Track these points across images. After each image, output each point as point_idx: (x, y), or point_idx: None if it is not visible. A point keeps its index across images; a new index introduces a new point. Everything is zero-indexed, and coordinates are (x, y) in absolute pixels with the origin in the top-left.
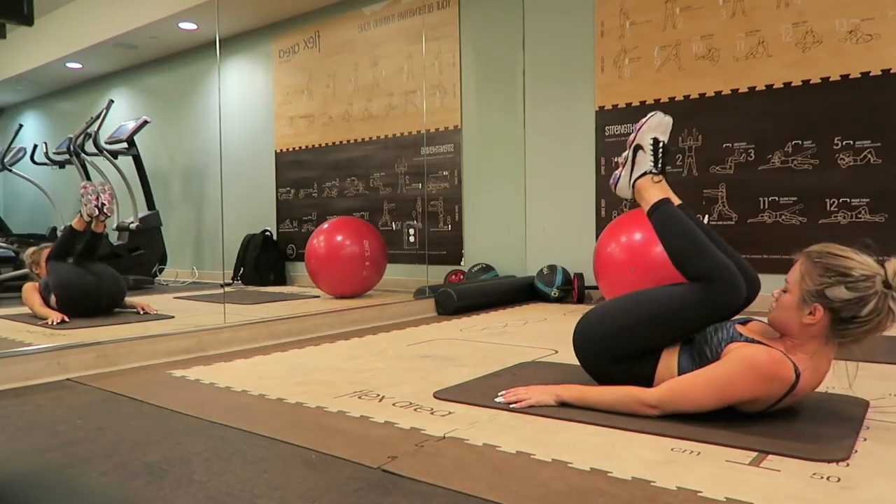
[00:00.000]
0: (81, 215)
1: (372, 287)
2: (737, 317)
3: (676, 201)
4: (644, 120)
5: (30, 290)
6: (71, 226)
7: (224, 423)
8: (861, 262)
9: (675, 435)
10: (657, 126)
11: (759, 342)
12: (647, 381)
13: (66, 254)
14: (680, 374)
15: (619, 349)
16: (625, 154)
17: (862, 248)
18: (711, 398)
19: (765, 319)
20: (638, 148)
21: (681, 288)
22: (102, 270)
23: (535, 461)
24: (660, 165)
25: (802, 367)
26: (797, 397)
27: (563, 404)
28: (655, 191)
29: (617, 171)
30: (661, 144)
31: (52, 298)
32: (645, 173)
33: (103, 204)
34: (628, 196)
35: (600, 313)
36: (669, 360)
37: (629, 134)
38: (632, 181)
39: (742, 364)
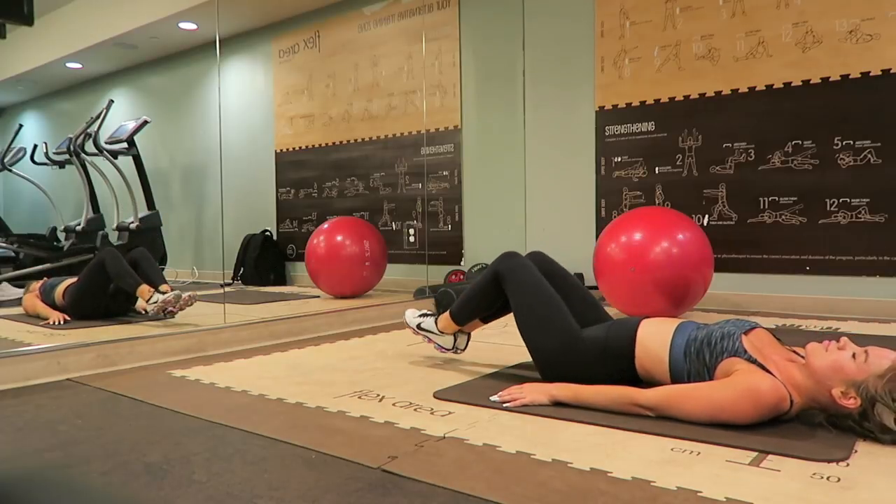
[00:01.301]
0: (148, 300)
1: (372, 287)
2: (743, 319)
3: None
4: (406, 321)
5: (30, 299)
6: (136, 290)
7: (224, 423)
8: None
9: (675, 435)
10: (412, 315)
11: (761, 364)
12: (631, 371)
13: (109, 279)
14: (671, 367)
15: (576, 353)
16: (420, 339)
17: None
18: (705, 415)
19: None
20: (419, 327)
21: (514, 299)
22: (126, 296)
23: (535, 461)
24: (430, 316)
25: (795, 396)
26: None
27: (558, 403)
28: (444, 314)
29: (434, 347)
30: (424, 312)
31: (56, 293)
32: (435, 322)
33: (170, 311)
34: (451, 345)
35: (534, 351)
36: (654, 350)
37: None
38: (439, 332)
39: (745, 393)
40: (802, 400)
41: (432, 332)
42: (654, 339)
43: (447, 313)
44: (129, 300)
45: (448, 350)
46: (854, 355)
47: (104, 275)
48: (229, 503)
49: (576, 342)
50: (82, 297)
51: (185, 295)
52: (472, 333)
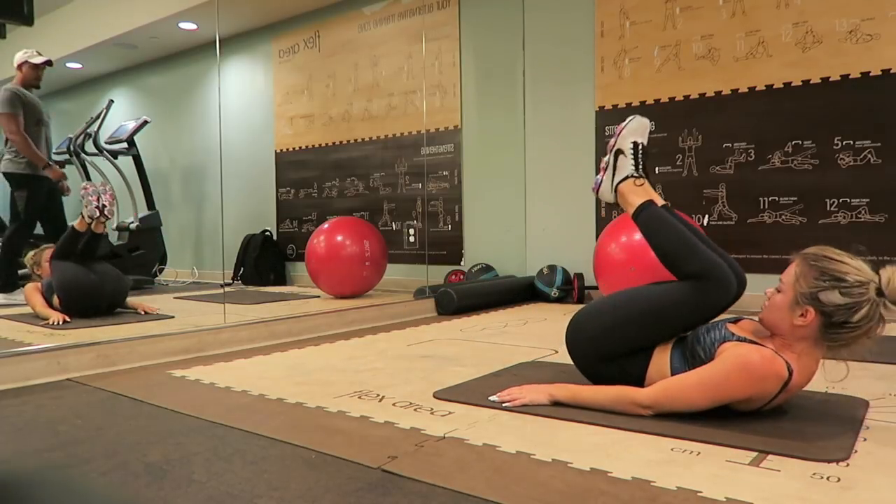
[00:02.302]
0: (83, 216)
1: (372, 287)
2: (727, 315)
3: (661, 202)
4: (624, 124)
5: (32, 291)
6: (73, 226)
7: (224, 423)
8: (856, 268)
9: (675, 435)
10: (637, 129)
11: (751, 341)
12: (639, 379)
13: (69, 254)
14: (672, 373)
15: (609, 347)
16: (606, 159)
17: (856, 253)
18: (705, 398)
19: (756, 318)
20: (619, 152)
21: (672, 286)
22: (105, 270)
23: (535, 461)
24: (641, 169)
25: (792, 363)
26: (788, 394)
27: (557, 403)
28: (639, 194)
29: (599, 176)
30: (640, 148)
31: (55, 299)
32: (627, 177)
33: (104, 205)
34: (611, 200)
35: (591, 312)
36: (661, 359)
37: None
38: (614, 185)
39: (735, 364)
40: (800, 361)
41: (616, 174)
42: (666, 370)
43: (642, 193)
44: (114, 280)
45: (601, 196)
46: (777, 290)
47: (61, 258)
48: (229, 503)
49: (611, 346)
50: (66, 289)
51: (98, 184)
52: (471, 332)
